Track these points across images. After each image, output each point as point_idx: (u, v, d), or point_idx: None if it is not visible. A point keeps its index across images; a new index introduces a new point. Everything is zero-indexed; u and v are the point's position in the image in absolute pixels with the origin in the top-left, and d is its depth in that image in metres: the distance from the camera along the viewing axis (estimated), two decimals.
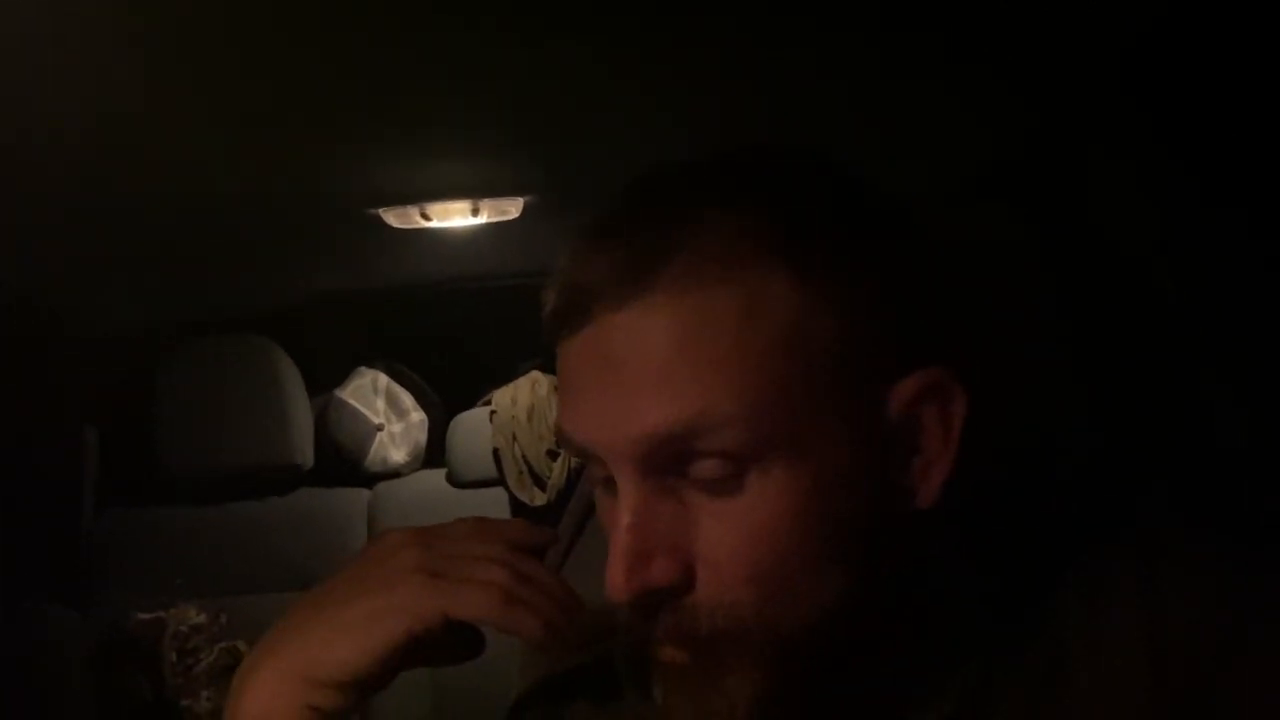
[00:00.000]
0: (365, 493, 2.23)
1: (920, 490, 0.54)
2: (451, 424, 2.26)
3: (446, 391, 2.40)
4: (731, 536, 0.51)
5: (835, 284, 0.51)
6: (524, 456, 2.15)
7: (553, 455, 2.16)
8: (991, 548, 0.60)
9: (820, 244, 0.52)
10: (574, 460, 2.17)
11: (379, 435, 2.26)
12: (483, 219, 1.54)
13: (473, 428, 2.22)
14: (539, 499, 2.14)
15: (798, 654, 0.53)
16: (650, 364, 0.50)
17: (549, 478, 2.15)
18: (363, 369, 2.36)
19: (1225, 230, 0.94)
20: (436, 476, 2.26)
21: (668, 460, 0.51)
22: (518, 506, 2.17)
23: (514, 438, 2.16)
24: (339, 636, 0.56)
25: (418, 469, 2.32)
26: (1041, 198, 1.12)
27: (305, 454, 2.13)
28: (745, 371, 0.50)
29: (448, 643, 0.58)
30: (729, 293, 0.50)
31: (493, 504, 2.19)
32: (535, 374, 2.27)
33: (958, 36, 0.92)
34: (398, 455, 2.28)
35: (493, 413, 2.22)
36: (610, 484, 0.55)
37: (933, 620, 0.58)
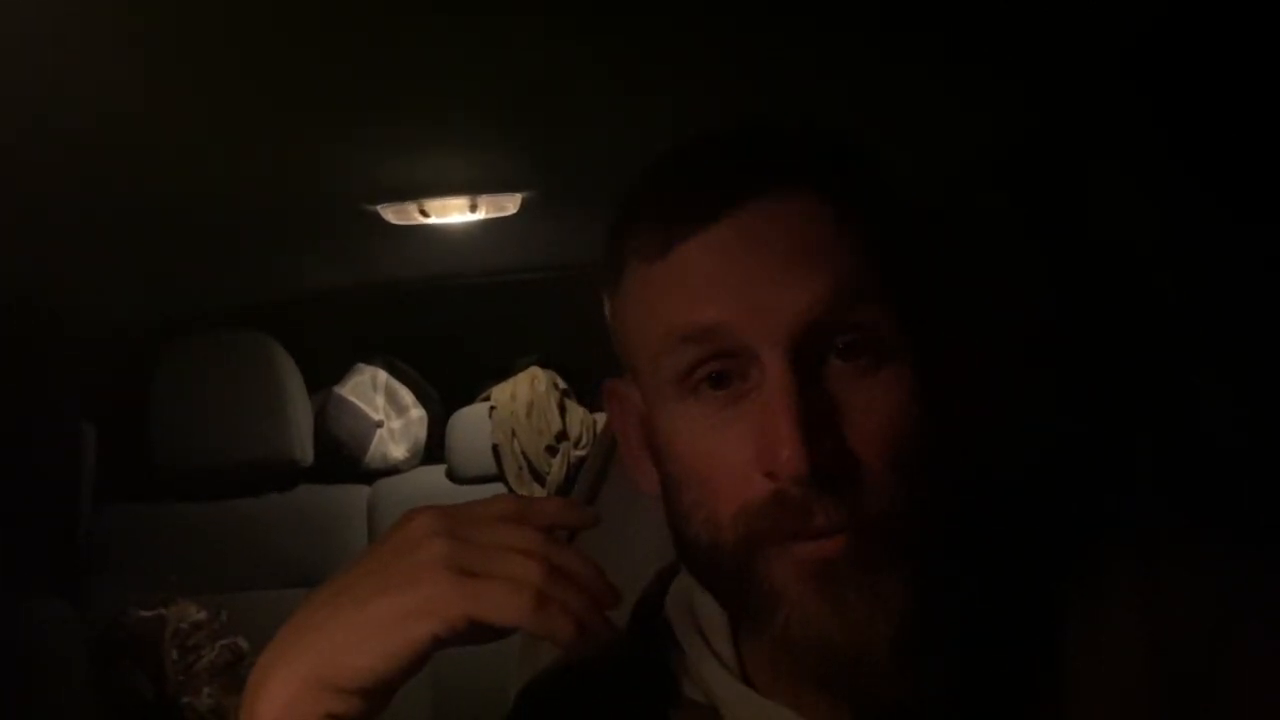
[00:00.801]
0: (365, 489, 2.23)
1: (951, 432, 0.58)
2: (451, 420, 2.25)
3: (446, 388, 2.40)
4: (879, 412, 0.53)
5: (917, 227, 0.58)
6: (523, 452, 2.15)
7: (552, 451, 2.16)
8: (991, 546, 0.60)
9: (887, 191, 0.58)
10: (573, 455, 2.17)
11: (378, 432, 2.26)
12: (481, 215, 1.55)
13: (472, 424, 2.22)
14: (539, 495, 2.14)
15: (934, 548, 0.54)
16: (805, 240, 0.54)
17: (548, 473, 2.15)
18: (362, 365, 2.36)
19: (1224, 229, 0.94)
20: (436, 473, 2.26)
21: (821, 333, 0.53)
22: None
23: (513, 433, 2.16)
24: (359, 640, 0.52)
25: (417, 465, 2.31)
26: (1041, 196, 1.12)
27: (305, 450, 2.12)
28: (886, 254, 0.55)
29: (473, 634, 0.54)
30: (860, 193, 0.56)
31: None
32: (534, 370, 2.26)
33: (959, 34, 0.92)
34: (397, 452, 2.27)
35: (492, 409, 2.21)
36: (723, 382, 0.55)
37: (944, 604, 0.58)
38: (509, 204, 1.52)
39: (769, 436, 0.52)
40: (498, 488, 2.18)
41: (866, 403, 0.53)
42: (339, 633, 0.53)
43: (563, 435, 2.18)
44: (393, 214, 1.52)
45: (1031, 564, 0.59)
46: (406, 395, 2.34)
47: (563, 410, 2.21)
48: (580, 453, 2.17)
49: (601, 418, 2.16)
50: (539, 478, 2.15)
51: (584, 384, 2.29)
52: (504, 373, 2.30)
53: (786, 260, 0.53)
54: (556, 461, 2.16)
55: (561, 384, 2.26)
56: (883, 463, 0.53)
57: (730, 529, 0.54)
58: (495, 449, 2.17)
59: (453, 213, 1.53)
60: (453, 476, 2.22)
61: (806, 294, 0.52)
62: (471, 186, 1.46)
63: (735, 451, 0.54)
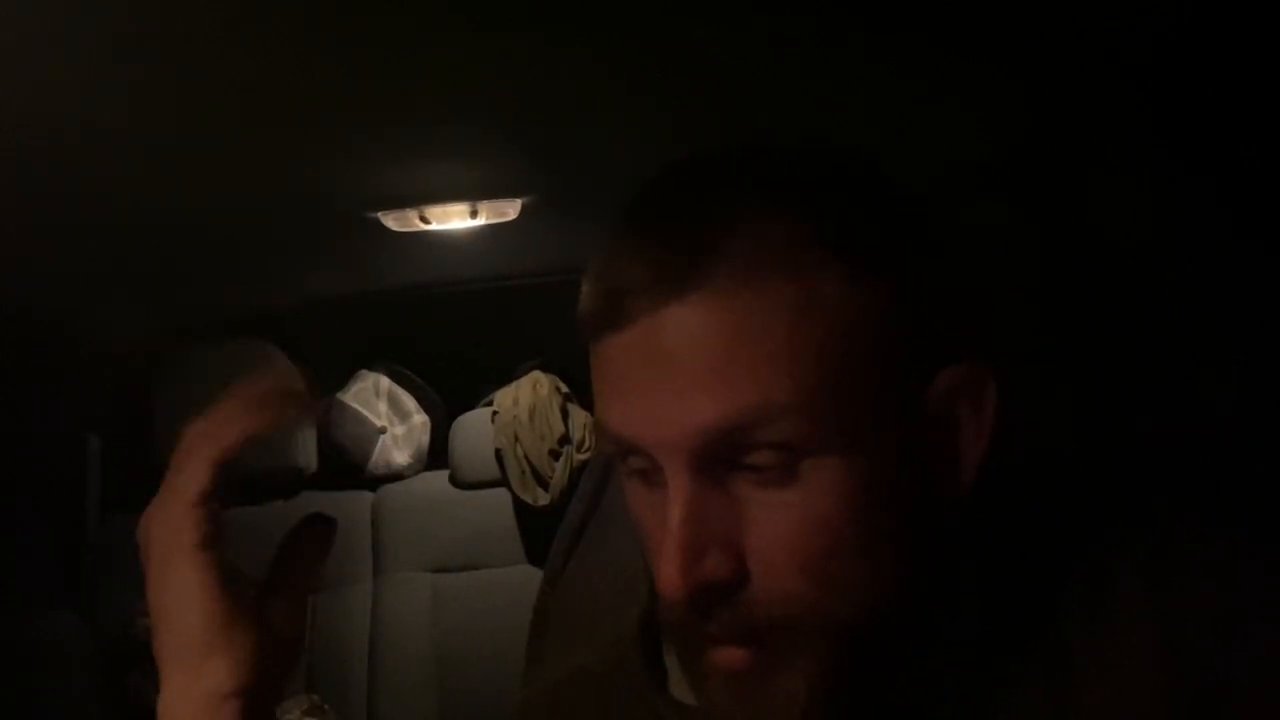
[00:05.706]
0: (369, 495, 2.24)
1: (954, 480, 0.55)
2: (453, 426, 2.26)
3: (448, 393, 2.40)
4: (785, 527, 0.51)
5: (882, 282, 0.51)
6: (526, 457, 2.15)
7: (555, 455, 2.17)
8: (997, 548, 0.60)
9: (865, 243, 0.52)
10: (576, 459, 2.17)
11: (382, 438, 2.27)
12: (481, 221, 1.55)
13: (475, 429, 2.23)
14: (542, 499, 2.15)
15: (850, 645, 0.53)
16: (705, 359, 0.50)
17: (551, 478, 2.15)
18: (364, 372, 2.36)
19: (1225, 228, 0.94)
20: (439, 478, 2.27)
21: (722, 452, 0.51)
22: (521, 507, 2.18)
23: (516, 438, 2.16)
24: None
25: (421, 471, 2.32)
26: (1042, 195, 1.12)
27: (308, 458, 2.13)
28: (800, 364, 0.50)
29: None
30: (782, 289, 0.50)
31: (496, 505, 2.19)
32: (536, 374, 2.27)
33: (960, 35, 0.92)
34: (401, 458, 2.28)
35: (494, 414, 2.22)
36: (647, 475, 0.54)
37: (946, 617, 0.58)
38: (509, 209, 1.53)
39: (660, 550, 0.51)
40: (501, 493, 2.19)
41: (773, 515, 0.51)
42: (166, 635, 0.56)
43: (565, 439, 2.19)
44: (393, 221, 1.52)
45: (1036, 564, 0.59)
46: (409, 401, 2.34)
47: (565, 414, 2.22)
48: (583, 456, 2.18)
49: None
50: (542, 482, 2.16)
51: (586, 388, 2.28)
52: (506, 377, 2.31)
53: (698, 377, 0.50)
54: (559, 465, 2.16)
55: (564, 388, 2.26)
56: (786, 574, 0.51)
57: (663, 603, 0.55)
58: (498, 454, 2.18)
59: (453, 219, 1.53)
60: (456, 482, 2.23)
61: (713, 416, 0.50)
62: (472, 192, 1.46)
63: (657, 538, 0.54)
